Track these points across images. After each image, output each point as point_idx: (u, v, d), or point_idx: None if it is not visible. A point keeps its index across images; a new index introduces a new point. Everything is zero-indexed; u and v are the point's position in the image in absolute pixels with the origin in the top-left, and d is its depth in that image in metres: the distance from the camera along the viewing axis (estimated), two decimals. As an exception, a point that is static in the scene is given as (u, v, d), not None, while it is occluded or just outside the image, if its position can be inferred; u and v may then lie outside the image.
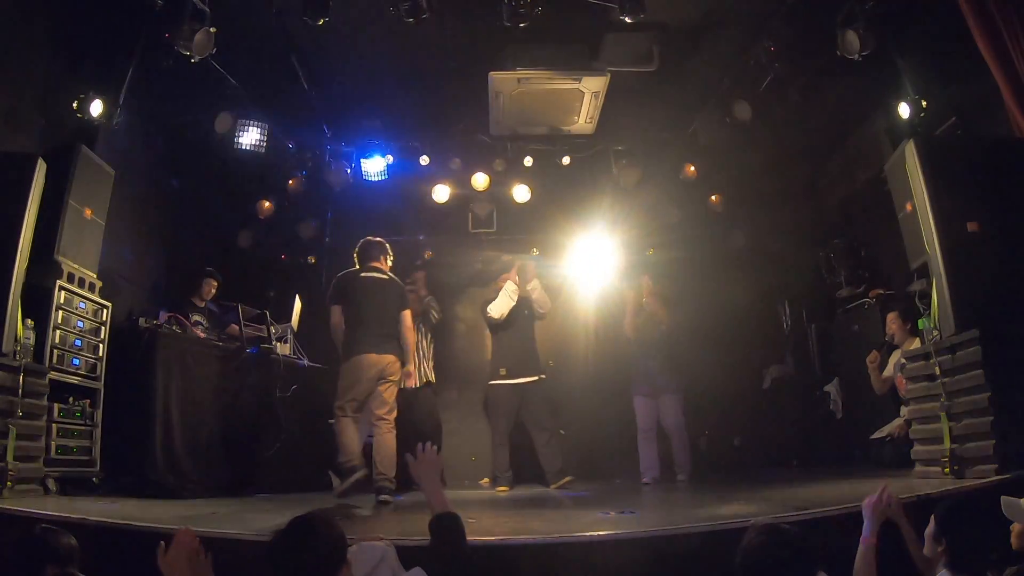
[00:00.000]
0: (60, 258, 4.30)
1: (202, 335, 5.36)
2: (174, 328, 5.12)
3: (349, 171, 7.00)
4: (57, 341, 4.21)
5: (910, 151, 4.11)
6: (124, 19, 4.84)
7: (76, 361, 4.39)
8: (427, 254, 7.32)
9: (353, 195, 7.05)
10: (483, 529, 3.03)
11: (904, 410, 4.69)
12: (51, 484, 4.01)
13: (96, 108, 4.69)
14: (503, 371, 5.79)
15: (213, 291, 5.89)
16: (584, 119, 6.36)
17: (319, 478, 5.78)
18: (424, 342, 6.21)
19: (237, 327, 5.74)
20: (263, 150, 6.28)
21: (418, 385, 6.07)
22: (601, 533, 2.79)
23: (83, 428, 4.39)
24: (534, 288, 5.85)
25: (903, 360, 4.54)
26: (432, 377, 6.20)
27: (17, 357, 3.74)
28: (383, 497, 4.48)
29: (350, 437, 4.57)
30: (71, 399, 4.34)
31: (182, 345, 5.07)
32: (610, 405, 6.38)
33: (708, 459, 6.48)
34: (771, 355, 7.03)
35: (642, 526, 2.95)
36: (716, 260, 7.12)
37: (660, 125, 6.97)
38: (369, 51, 5.70)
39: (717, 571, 2.59)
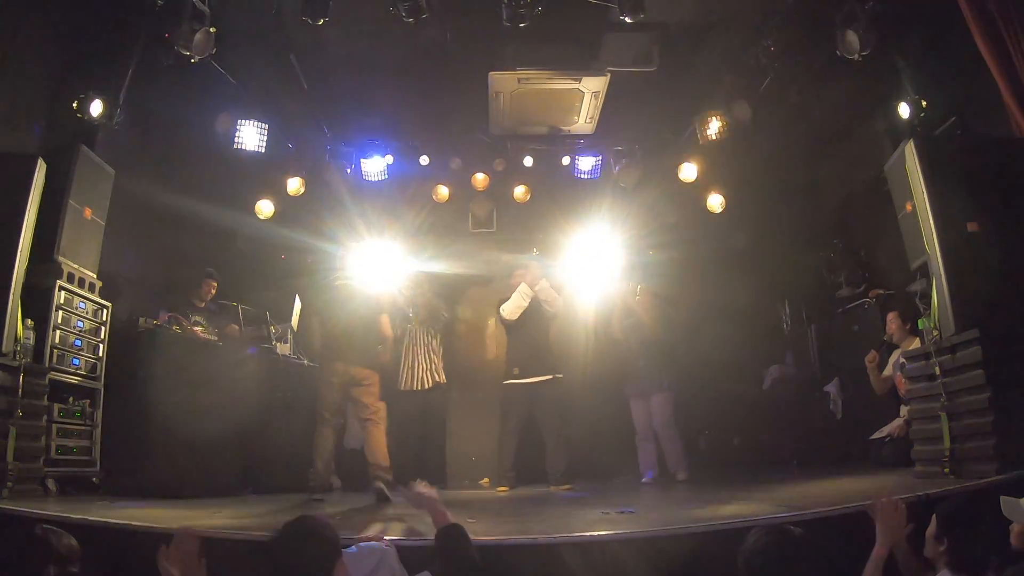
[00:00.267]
0: (60, 258, 4.31)
1: (202, 335, 5.36)
2: (174, 328, 5.12)
3: (349, 171, 7.00)
4: (57, 341, 4.22)
5: (910, 151, 4.11)
6: (124, 19, 4.84)
7: (76, 361, 4.39)
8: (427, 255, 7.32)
9: (353, 195, 7.04)
10: (483, 529, 3.03)
11: (904, 410, 4.70)
12: (51, 484, 4.02)
13: (96, 108, 4.70)
14: (516, 370, 5.80)
15: (213, 291, 5.89)
16: (584, 119, 6.36)
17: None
18: (434, 343, 6.25)
19: (236, 327, 5.74)
20: (263, 150, 6.28)
21: (428, 387, 6.11)
22: (601, 533, 2.79)
23: (83, 428, 4.40)
24: (541, 288, 5.85)
25: (903, 360, 4.54)
26: (442, 378, 6.25)
27: (17, 357, 3.74)
28: (377, 485, 4.63)
29: (322, 446, 4.78)
30: (71, 399, 4.35)
31: (182, 345, 5.07)
32: (610, 405, 6.37)
33: (708, 459, 6.48)
34: (771, 355, 7.03)
35: (642, 526, 2.95)
36: (716, 260, 7.12)
37: (660, 125, 6.97)
38: (369, 51, 5.70)
39: (717, 571, 2.60)
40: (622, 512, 3.51)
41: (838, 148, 6.81)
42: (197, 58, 4.72)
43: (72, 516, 2.92)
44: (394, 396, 6.25)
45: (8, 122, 4.49)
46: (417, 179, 7.22)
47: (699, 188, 7.14)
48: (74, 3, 4.79)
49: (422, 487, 2.66)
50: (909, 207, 4.19)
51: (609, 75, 5.68)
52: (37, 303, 4.06)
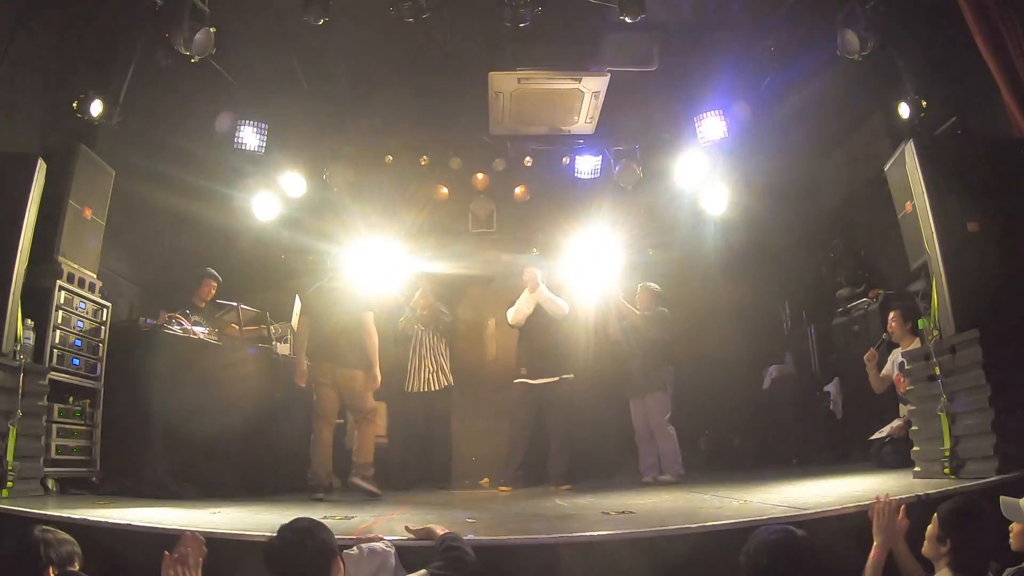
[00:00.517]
0: (60, 258, 4.30)
1: (202, 335, 5.35)
2: (174, 328, 5.12)
3: (350, 171, 7.00)
4: (57, 341, 4.21)
5: (910, 151, 4.10)
6: (124, 19, 4.84)
7: (76, 361, 4.39)
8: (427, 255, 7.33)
9: (353, 195, 7.04)
10: (483, 529, 3.03)
11: (904, 410, 4.69)
12: (51, 484, 4.01)
13: (96, 108, 4.70)
14: (523, 371, 5.82)
15: (213, 292, 5.89)
16: (584, 119, 6.36)
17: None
18: (441, 346, 6.29)
19: (236, 327, 5.74)
20: (263, 150, 6.28)
21: (436, 389, 6.17)
22: (601, 533, 2.78)
23: (83, 428, 4.39)
24: (540, 295, 5.86)
25: (902, 359, 4.54)
26: (450, 381, 6.28)
27: (17, 357, 3.74)
28: (354, 482, 4.76)
29: (320, 446, 4.85)
30: (71, 399, 4.34)
31: (182, 345, 5.06)
32: (610, 405, 6.37)
33: (708, 459, 6.47)
34: (771, 355, 7.02)
35: (642, 526, 2.95)
36: (716, 260, 7.11)
37: (660, 125, 6.97)
38: (369, 51, 5.70)
39: (717, 571, 2.60)
40: (622, 512, 3.50)
41: (838, 148, 6.81)
42: (197, 58, 4.72)
43: (72, 516, 2.91)
44: (400, 397, 6.28)
45: (8, 122, 4.49)
46: (417, 179, 7.22)
47: (699, 188, 7.14)
48: (74, 3, 4.79)
49: (422, 531, 2.69)
50: (909, 207, 4.19)
51: (609, 75, 5.68)
52: (37, 303, 4.06)
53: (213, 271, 5.98)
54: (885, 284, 6.04)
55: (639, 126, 6.94)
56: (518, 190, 7.34)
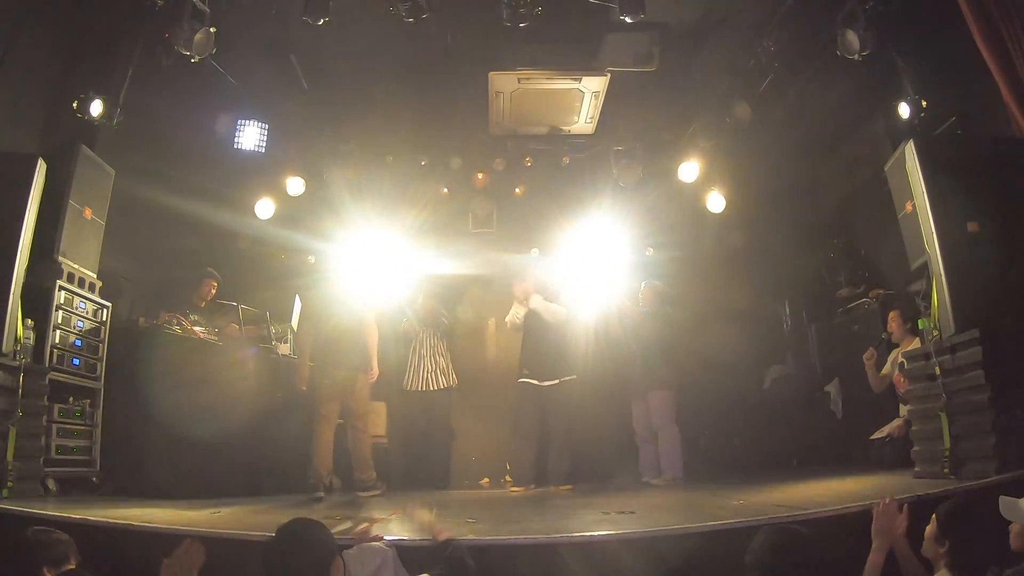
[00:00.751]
0: (60, 258, 4.30)
1: (202, 335, 5.35)
2: (174, 328, 5.12)
3: (350, 171, 7.00)
4: (57, 341, 4.21)
5: (910, 151, 4.11)
6: (124, 19, 4.84)
7: (76, 361, 4.39)
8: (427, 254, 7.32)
9: (353, 195, 7.04)
10: (483, 529, 3.03)
11: (904, 410, 4.69)
12: (51, 484, 4.01)
13: (96, 108, 4.70)
14: (525, 371, 5.84)
15: (213, 291, 5.89)
16: (584, 119, 6.36)
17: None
18: (440, 346, 6.32)
19: (236, 327, 5.74)
20: (263, 150, 6.27)
21: (434, 389, 6.19)
22: (601, 533, 2.79)
23: (83, 428, 4.39)
24: (534, 304, 5.87)
25: (902, 359, 4.54)
26: (451, 381, 6.30)
27: (17, 357, 3.74)
28: (359, 494, 4.85)
29: (320, 446, 4.89)
30: (71, 399, 4.34)
31: (182, 345, 5.06)
32: (611, 405, 6.37)
33: (708, 459, 6.47)
34: (771, 355, 7.02)
35: (642, 526, 2.95)
36: (716, 260, 7.11)
37: (660, 125, 6.96)
38: (369, 51, 5.69)
39: (716, 571, 2.60)
40: (622, 512, 3.51)
41: (838, 148, 6.81)
42: (197, 58, 4.72)
43: (72, 516, 2.92)
44: (399, 396, 6.28)
45: (8, 122, 4.49)
46: (417, 179, 7.22)
47: (699, 188, 7.14)
48: (74, 3, 4.79)
49: (423, 516, 2.73)
50: (909, 207, 4.19)
51: (609, 75, 5.68)
52: (37, 303, 4.06)
53: (213, 271, 5.99)
54: (885, 284, 6.04)
55: (639, 126, 6.94)
56: (518, 190, 7.34)
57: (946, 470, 3.54)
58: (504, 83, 5.72)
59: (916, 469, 3.90)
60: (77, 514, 2.98)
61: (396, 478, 5.98)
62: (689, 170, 6.96)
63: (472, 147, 7.08)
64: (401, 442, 6.38)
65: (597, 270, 6.23)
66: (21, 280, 3.84)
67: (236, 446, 5.12)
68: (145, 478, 4.45)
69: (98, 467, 4.46)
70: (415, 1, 4.64)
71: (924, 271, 4.12)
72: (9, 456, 3.55)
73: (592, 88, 5.82)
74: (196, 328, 5.37)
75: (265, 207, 6.86)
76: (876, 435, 5.13)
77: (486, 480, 6.46)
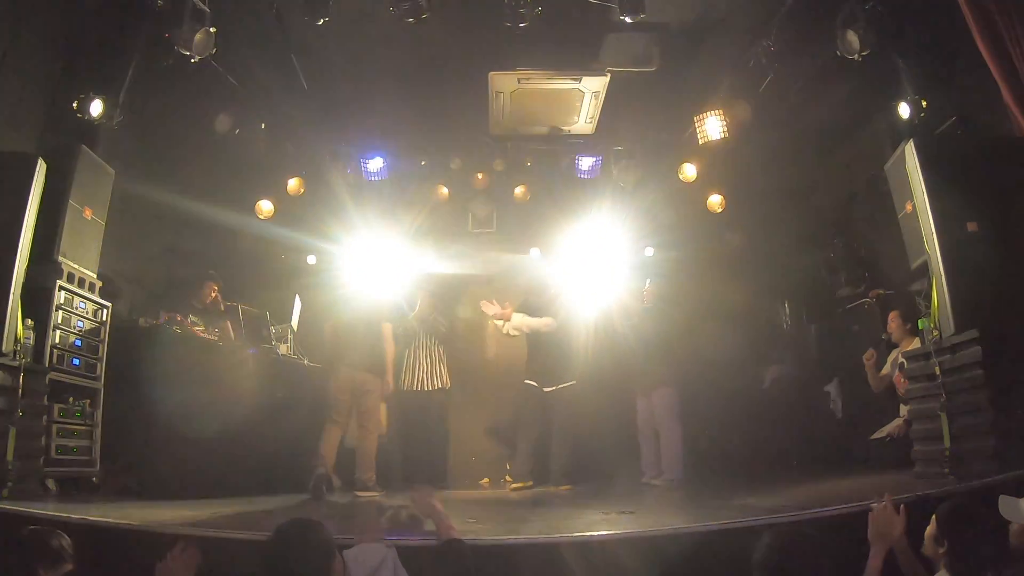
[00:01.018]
0: (60, 258, 4.30)
1: (202, 335, 5.35)
2: (174, 328, 5.12)
3: (349, 171, 7.00)
4: (57, 341, 4.21)
5: (910, 151, 4.11)
6: (124, 19, 4.83)
7: (76, 361, 4.39)
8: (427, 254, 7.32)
9: (353, 195, 7.04)
10: (483, 529, 3.03)
11: (904, 410, 4.69)
12: (51, 484, 4.01)
13: (96, 108, 4.69)
14: (530, 375, 5.89)
15: (214, 294, 5.87)
16: (584, 119, 6.36)
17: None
18: (438, 350, 6.33)
19: (230, 329, 5.72)
20: (264, 150, 6.27)
21: (429, 389, 6.21)
22: (601, 533, 2.79)
23: (83, 428, 4.39)
24: (518, 326, 5.91)
25: (902, 359, 4.54)
26: (444, 383, 6.32)
27: (17, 357, 3.74)
28: (358, 494, 4.92)
29: (327, 445, 5.00)
30: (71, 399, 4.34)
31: (182, 345, 5.07)
32: (609, 404, 6.38)
33: (708, 459, 6.47)
34: (771, 355, 7.02)
35: (642, 526, 2.95)
36: (716, 260, 7.11)
37: (660, 125, 6.96)
38: (369, 51, 5.69)
39: (716, 571, 2.60)
40: (622, 512, 3.51)
41: (838, 148, 6.81)
42: (197, 58, 4.71)
43: (72, 516, 2.92)
44: (397, 396, 6.28)
45: (8, 122, 4.48)
46: (417, 179, 7.21)
47: (699, 188, 7.13)
48: (74, 3, 4.78)
49: (429, 499, 2.72)
50: (909, 207, 4.19)
51: (609, 75, 5.68)
52: (37, 303, 4.06)
53: (214, 273, 5.97)
54: (885, 284, 6.04)
55: (639, 126, 6.93)
56: (518, 190, 7.34)
57: (946, 470, 3.55)
58: (504, 83, 5.72)
59: (916, 469, 3.91)
60: (77, 514, 2.98)
61: (394, 478, 5.98)
62: (689, 170, 6.97)
63: (472, 147, 7.07)
64: (399, 442, 6.38)
65: (597, 270, 6.23)
66: (21, 280, 3.84)
67: (236, 446, 5.12)
68: (145, 478, 4.45)
69: (98, 467, 4.46)
70: (415, 1, 4.63)
71: (924, 271, 4.12)
72: (9, 456, 3.55)
73: (592, 88, 5.82)
74: (196, 328, 5.37)
75: (265, 207, 6.87)
76: (876, 435, 5.13)
77: (486, 480, 6.47)
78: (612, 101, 6.03)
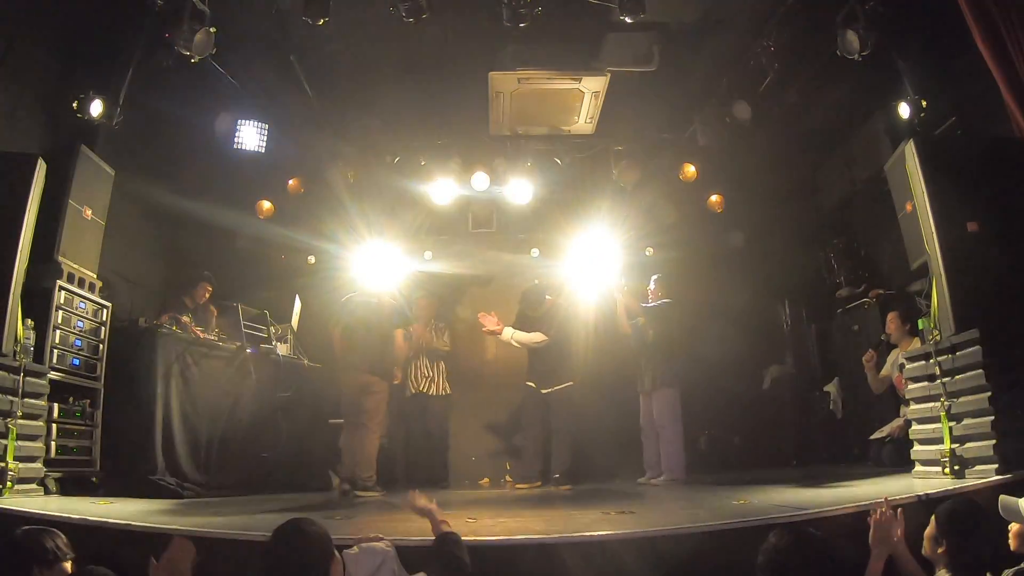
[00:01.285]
0: (60, 258, 4.30)
1: (202, 335, 5.36)
2: (174, 328, 5.12)
3: (349, 171, 7.00)
4: (57, 341, 4.22)
5: (910, 151, 4.10)
6: (124, 19, 4.83)
7: (76, 361, 4.39)
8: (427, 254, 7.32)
9: (353, 195, 7.04)
10: (483, 529, 3.03)
11: (904, 410, 4.69)
12: (51, 484, 4.01)
13: (96, 108, 4.69)
14: (529, 377, 5.91)
15: (207, 295, 5.87)
16: (584, 119, 6.36)
17: (319, 478, 5.79)
18: (439, 365, 6.39)
19: (219, 330, 5.72)
20: (263, 150, 6.28)
21: (436, 394, 6.28)
22: (600, 533, 2.78)
23: (83, 428, 4.40)
24: (509, 340, 5.95)
25: (902, 360, 4.54)
26: (447, 390, 6.38)
27: (17, 357, 3.74)
28: (357, 493, 4.91)
29: (359, 446, 5.03)
30: (71, 399, 4.35)
31: (182, 345, 5.07)
32: (609, 404, 6.38)
33: (708, 459, 6.47)
34: (771, 355, 7.02)
35: (642, 526, 2.95)
36: (716, 260, 7.11)
37: (660, 125, 6.96)
38: (369, 51, 5.69)
39: (717, 571, 2.60)
40: (622, 512, 3.50)
41: (838, 148, 6.81)
42: (197, 58, 4.71)
43: (72, 516, 2.92)
44: (398, 396, 6.30)
45: (8, 122, 4.48)
46: (417, 179, 7.21)
47: (699, 188, 7.13)
48: (74, 3, 4.78)
49: (421, 500, 2.73)
50: (909, 207, 4.19)
51: (609, 75, 5.68)
52: (37, 303, 4.06)
53: (208, 274, 5.96)
54: (885, 284, 6.04)
55: (639, 126, 6.93)
56: (517, 190, 7.32)
57: (946, 470, 3.54)
58: (504, 83, 5.72)
59: (916, 469, 3.90)
60: (77, 514, 2.98)
61: (395, 477, 5.99)
62: (689, 170, 6.96)
63: (472, 147, 7.07)
64: (401, 442, 6.39)
65: (597, 270, 6.22)
66: (21, 280, 3.84)
67: (236, 446, 5.13)
68: (145, 478, 4.45)
69: (98, 467, 4.46)
70: (415, 1, 4.63)
71: (924, 271, 4.12)
72: (9, 456, 3.55)
73: (592, 88, 5.82)
74: (197, 329, 5.37)
75: (265, 207, 6.86)
76: (876, 435, 5.13)
77: (486, 480, 6.47)
78: (612, 101, 6.03)
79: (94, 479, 4.44)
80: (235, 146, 6.13)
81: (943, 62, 4.86)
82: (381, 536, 2.58)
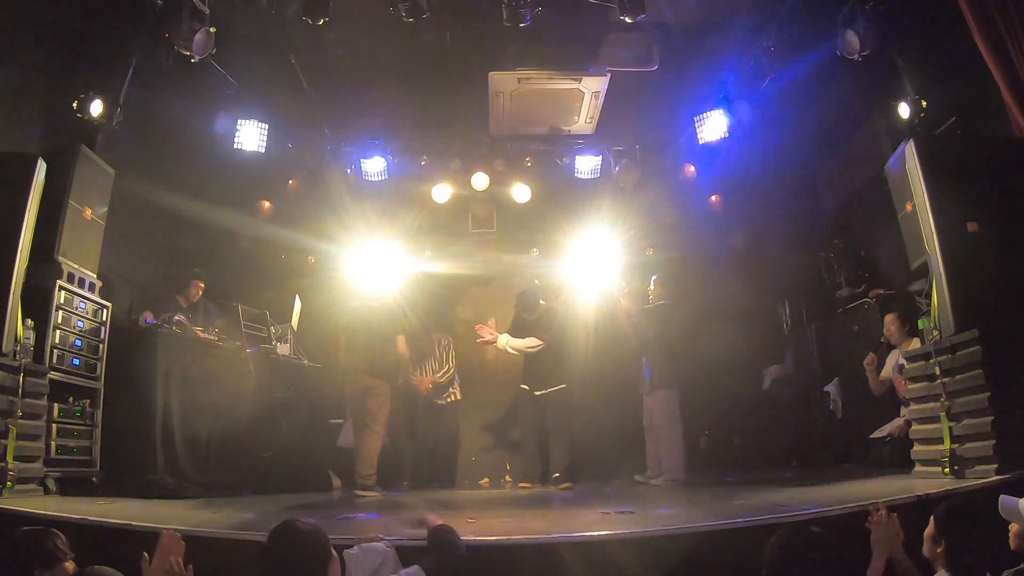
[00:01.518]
0: (60, 258, 4.30)
1: (202, 335, 5.35)
2: (174, 328, 5.12)
3: (349, 171, 7.00)
4: (57, 341, 4.21)
5: (910, 151, 4.11)
6: (124, 19, 4.83)
7: (76, 361, 4.39)
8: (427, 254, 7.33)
9: (353, 195, 7.04)
10: (483, 529, 3.03)
11: (904, 410, 4.69)
12: (51, 484, 4.01)
13: (96, 108, 4.69)
14: (524, 380, 5.93)
15: (200, 292, 5.87)
16: (584, 119, 6.36)
17: (319, 478, 5.79)
18: (442, 374, 6.38)
19: (216, 328, 5.72)
20: (263, 150, 6.28)
21: (447, 401, 6.33)
22: (600, 533, 2.79)
23: (83, 428, 4.40)
24: (502, 345, 5.97)
25: (902, 361, 4.54)
26: (459, 395, 6.43)
27: (17, 357, 3.74)
28: (357, 492, 5.04)
29: (360, 446, 5.22)
30: (71, 399, 4.35)
31: (182, 345, 5.06)
32: (609, 404, 6.38)
33: (708, 459, 6.47)
34: (771, 355, 7.02)
35: (641, 526, 2.95)
36: (716, 260, 7.11)
37: (660, 125, 6.96)
38: (369, 51, 5.69)
39: (716, 571, 2.60)
40: (622, 512, 3.51)
41: (838, 148, 6.81)
42: (197, 58, 4.72)
43: (72, 516, 2.92)
44: (401, 396, 6.29)
45: (8, 122, 4.48)
46: (416, 179, 7.22)
47: (699, 188, 7.13)
48: (74, 3, 4.78)
49: (427, 517, 2.75)
50: (909, 207, 4.19)
51: (609, 75, 5.68)
52: (37, 303, 4.06)
53: (200, 271, 5.94)
54: (885, 284, 6.03)
55: (639, 126, 6.93)
56: (518, 190, 7.33)
57: (946, 470, 3.55)
58: (504, 83, 5.72)
59: (916, 469, 3.91)
60: (76, 514, 2.98)
61: (395, 477, 5.98)
62: (689, 170, 6.96)
63: (472, 147, 7.07)
64: (401, 441, 6.38)
65: (597, 270, 6.22)
66: (21, 280, 3.84)
67: (236, 445, 5.13)
68: (145, 478, 4.45)
69: (98, 467, 4.46)
70: (415, 1, 4.63)
71: (924, 271, 4.12)
72: (9, 456, 3.55)
73: (592, 88, 5.82)
74: (197, 328, 5.36)
75: (265, 206, 6.86)
76: (876, 435, 5.12)
77: (486, 480, 6.47)
78: (612, 101, 6.03)
79: (94, 479, 4.44)
80: (235, 146, 6.13)
81: (943, 62, 4.86)
82: (381, 536, 2.58)
